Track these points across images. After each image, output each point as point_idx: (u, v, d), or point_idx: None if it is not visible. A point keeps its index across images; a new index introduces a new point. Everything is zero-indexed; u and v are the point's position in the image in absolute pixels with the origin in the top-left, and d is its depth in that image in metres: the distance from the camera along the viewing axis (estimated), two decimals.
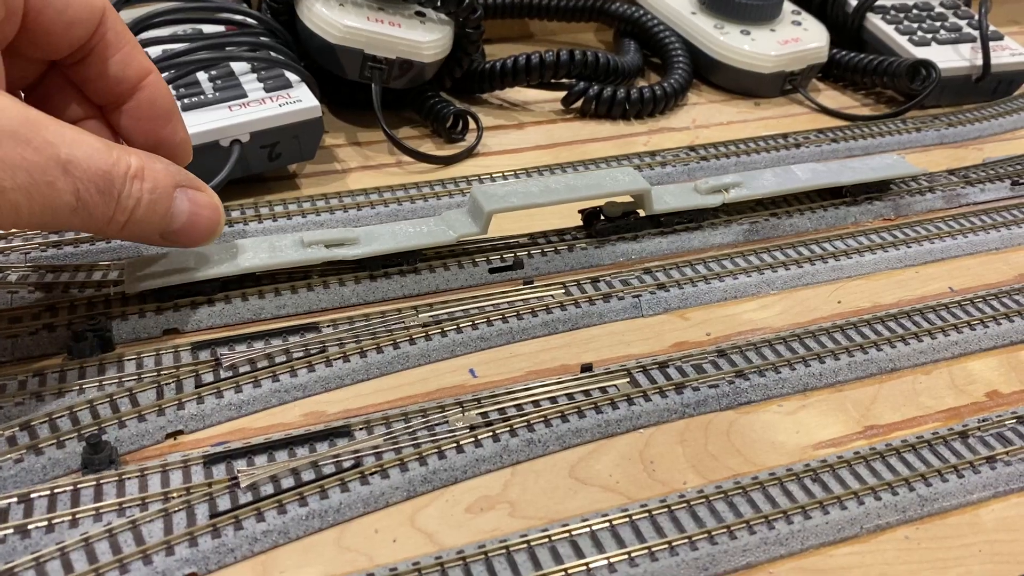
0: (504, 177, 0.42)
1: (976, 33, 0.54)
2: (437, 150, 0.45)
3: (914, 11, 0.55)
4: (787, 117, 0.51)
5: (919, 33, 0.53)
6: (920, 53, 0.51)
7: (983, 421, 0.29)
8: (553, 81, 0.49)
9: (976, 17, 0.55)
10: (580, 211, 0.38)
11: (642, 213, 0.37)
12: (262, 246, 0.33)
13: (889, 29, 0.53)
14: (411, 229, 0.35)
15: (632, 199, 0.37)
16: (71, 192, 0.24)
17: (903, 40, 0.52)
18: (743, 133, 0.48)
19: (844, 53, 0.53)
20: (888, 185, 0.42)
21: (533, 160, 0.44)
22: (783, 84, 0.52)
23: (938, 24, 0.54)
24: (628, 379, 0.30)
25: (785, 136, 0.47)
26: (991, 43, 0.53)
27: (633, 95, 0.49)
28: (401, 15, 0.44)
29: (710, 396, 0.29)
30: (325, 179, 0.42)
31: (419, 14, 0.45)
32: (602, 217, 0.38)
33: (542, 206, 0.35)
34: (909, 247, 0.38)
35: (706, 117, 0.50)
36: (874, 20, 0.54)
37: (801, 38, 0.52)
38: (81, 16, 0.27)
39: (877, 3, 0.55)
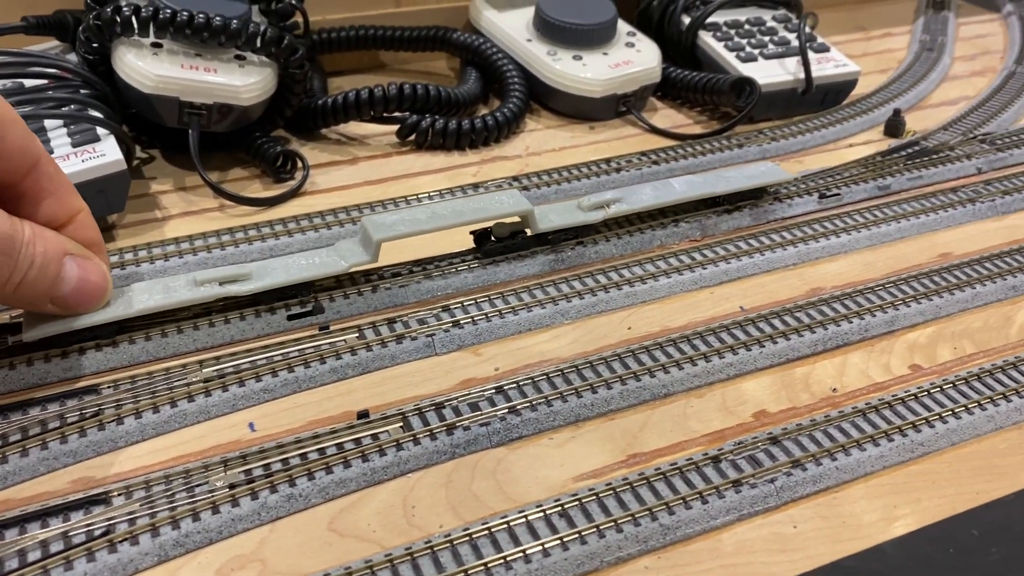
0: (335, 215, 0.42)
1: (806, 46, 0.55)
2: (266, 191, 0.45)
3: (745, 27, 0.57)
4: (619, 139, 0.52)
5: (747, 49, 0.54)
6: (746, 69, 0.53)
7: (738, 444, 0.30)
8: (386, 116, 0.50)
9: (807, 31, 0.57)
10: (471, 232, 0.40)
11: (529, 232, 0.39)
12: (156, 287, 0.34)
13: (719, 46, 0.55)
14: (303, 261, 0.36)
15: (519, 219, 0.39)
16: None
17: (731, 57, 0.54)
18: (575, 158, 0.49)
19: (677, 72, 0.55)
20: (763, 192, 0.43)
21: (361, 197, 0.45)
22: (617, 106, 0.53)
23: (767, 39, 0.56)
24: (402, 423, 0.30)
25: (608, 161, 0.48)
26: (818, 55, 0.55)
27: (464, 126, 0.49)
28: (219, 60, 0.44)
29: (480, 435, 0.30)
30: (143, 228, 0.42)
31: (239, 58, 0.45)
32: (492, 238, 0.39)
33: (430, 232, 0.36)
34: (705, 268, 0.39)
35: (540, 144, 0.51)
36: (705, 38, 0.56)
37: (633, 60, 0.53)
38: (11, 154, 0.29)
39: (708, 21, 0.56)
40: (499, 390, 0.32)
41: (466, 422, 0.30)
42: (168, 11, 0.43)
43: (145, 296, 0.33)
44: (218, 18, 0.43)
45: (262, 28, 0.44)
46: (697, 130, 0.53)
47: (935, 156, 0.48)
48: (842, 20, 0.71)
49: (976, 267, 0.39)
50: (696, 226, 0.42)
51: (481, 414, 0.31)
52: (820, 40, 0.56)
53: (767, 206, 0.43)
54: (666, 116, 0.55)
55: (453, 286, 0.37)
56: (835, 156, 0.49)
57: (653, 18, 0.59)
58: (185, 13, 0.43)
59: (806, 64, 0.52)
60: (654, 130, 0.52)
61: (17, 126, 0.29)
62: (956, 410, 0.31)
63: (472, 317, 0.35)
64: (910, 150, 0.49)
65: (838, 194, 0.45)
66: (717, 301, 0.38)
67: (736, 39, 0.55)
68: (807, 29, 0.57)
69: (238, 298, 0.34)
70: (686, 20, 0.57)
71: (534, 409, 0.31)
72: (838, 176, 0.46)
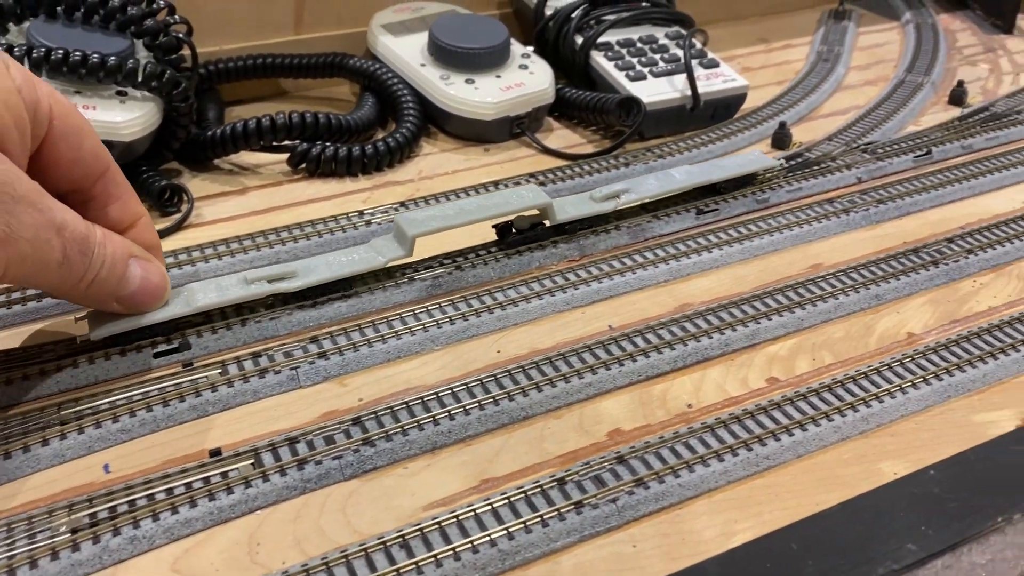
0: (214, 247, 0.42)
1: (695, 62, 0.56)
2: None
3: (638, 45, 0.58)
4: (513, 161, 0.52)
5: (637, 68, 0.55)
6: (635, 87, 0.54)
7: (585, 465, 0.30)
8: (276, 144, 0.50)
9: (698, 47, 0.58)
10: (493, 226, 0.42)
11: (548, 223, 0.42)
12: (209, 287, 0.36)
13: (609, 66, 0.56)
14: (344, 258, 0.39)
15: (538, 212, 0.42)
16: (60, 250, 0.30)
17: (620, 76, 0.55)
18: (468, 181, 0.50)
19: (570, 92, 0.56)
20: (754, 178, 0.48)
21: (247, 227, 0.45)
22: (511, 128, 0.54)
23: (658, 57, 0.57)
24: (253, 460, 0.30)
25: (496, 183, 0.48)
26: (707, 71, 0.56)
27: (354, 152, 0.49)
28: (99, 96, 0.44)
29: (332, 468, 0.30)
30: None
31: (120, 93, 0.45)
32: (513, 230, 0.42)
33: (460, 226, 0.39)
34: (577, 289, 0.39)
35: (434, 167, 0.51)
36: (597, 58, 0.56)
37: (525, 82, 0.54)
38: (85, 159, 0.32)
39: (601, 40, 0.57)
40: (356, 421, 0.32)
41: (319, 456, 0.30)
42: (42, 49, 0.43)
43: (201, 295, 0.36)
44: (95, 55, 0.43)
45: (142, 63, 0.44)
46: (589, 149, 0.54)
47: (816, 167, 0.49)
48: (745, 33, 0.73)
49: (842, 277, 0.40)
50: (575, 247, 0.42)
51: (335, 447, 0.31)
52: (711, 56, 0.57)
53: (645, 224, 0.44)
54: (562, 136, 0.56)
55: (326, 316, 0.38)
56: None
57: (549, 39, 0.59)
58: (60, 51, 0.43)
59: (692, 82, 0.53)
60: (546, 150, 0.53)
61: (92, 135, 0.33)
62: (803, 422, 0.32)
63: (339, 347, 0.35)
64: (793, 162, 0.50)
65: (716, 209, 0.45)
66: (588, 321, 0.38)
67: (627, 58, 0.56)
68: (698, 45, 0.59)
69: (284, 295, 0.37)
70: (579, 40, 0.57)
71: (389, 439, 0.31)
72: (719, 191, 0.47)
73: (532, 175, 0.49)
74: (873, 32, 0.74)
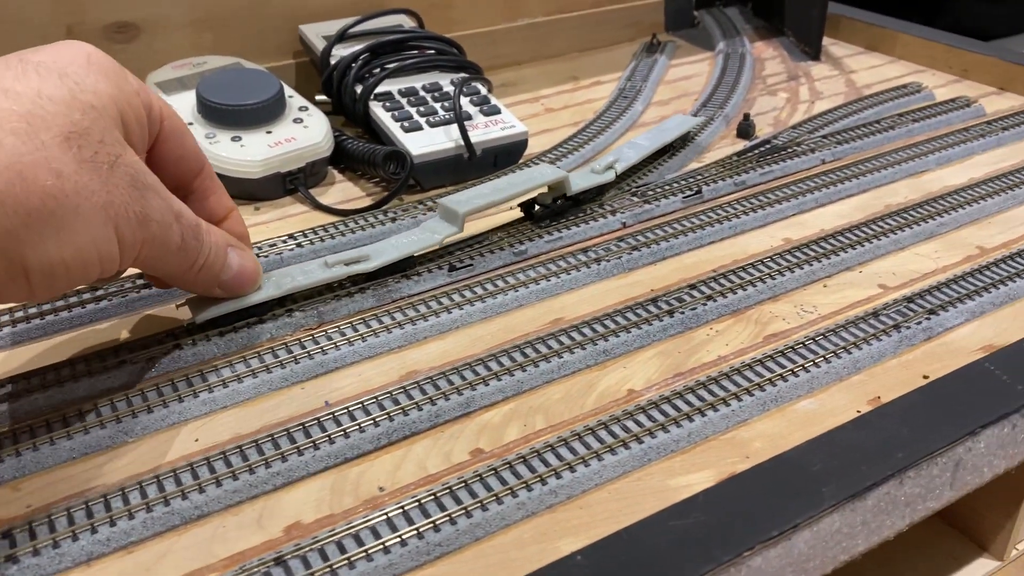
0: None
1: (476, 110, 0.56)
2: None
3: (420, 93, 0.57)
4: (283, 219, 0.51)
5: (414, 118, 0.54)
6: (408, 139, 0.53)
7: (241, 569, 0.28)
8: None
9: (482, 94, 0.58)
10: (519, 205, 0.49)
11: (567, 195, 0.48)
12: (294, 272, 0.41)
13: (386, 116, 0.54)
14: (404, 240, 0.44)
15: (552, 188, 0.48)
16: (179, 234, 0.34)
17: (395, 127, 0.54)
18: None
19: (349, 143, 0.54)
20: (692, 138, 0.58)
21: None
22: (284, 184, 0.52)
23: (439, 105, 0.56)
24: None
25: (267, 243, 0.46)
26: (488, 118, 0.55)
27: None
28: None
29: None
30: None
31: None
32: (537, 207, 0.48)
33: (499, 203, 0.46)
34: (298, 363, 0.37)
35: None
36: (374, 108, 0.55)
37: (297, 136, 0.52)
38: (188, 157, 0.37)
39: (381, 90, 0.56)
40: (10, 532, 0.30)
41: None
42: None
43: (288, 279, 0.40)
44: None
45: None
46: (368, 202, 0.52)
47: (581, 215, 0.49)
48: (558, 72, 0.73)
49: (573, 333, 0.39)
50: (312, 314, 0.41)
51: None
52: (494, 102, 0.57)
53: (392, 284, 0.43)
54: (342, 189, 0.54)
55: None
56: (487, 222, 0.49)
57: (333, 88, 0.58)
58: None
59: (464, 133, 0.52)
60: (318, 206, 0.51)
61: (191, 134, 0.37)
62: (485, 501, 0.30)
63: (16, 448, 0.33)
64: (558, 205, 0.49)
65: (470, 264, 0.44)
66: (307, 397, 0.36)
67: (406, 108, 0.55)
68: (483, 92, 0.58)
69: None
70: (359, 90, 0.56)
71: (37, 554, 0.29)
72: (476, 245, 0.46)
73: (304, 233, 0.48)
74: (685, 64, 0.74)
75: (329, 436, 0.33)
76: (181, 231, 0.34)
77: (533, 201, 0.48)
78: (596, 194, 0.50)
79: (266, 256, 0.45)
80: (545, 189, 0.48)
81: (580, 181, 0.49)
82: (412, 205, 0.51)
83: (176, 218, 0.33)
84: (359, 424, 0.34)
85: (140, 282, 0.43)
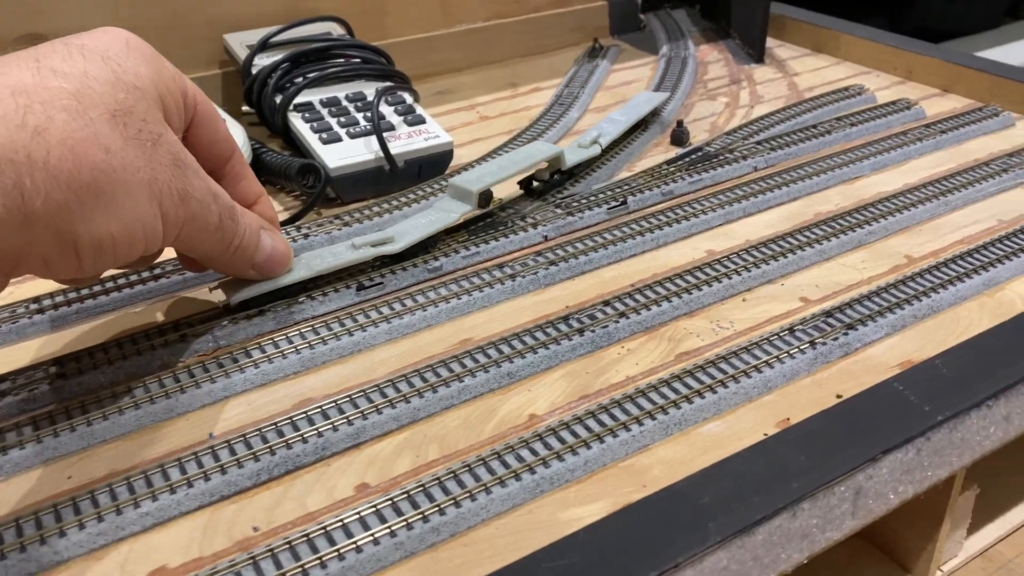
0: None
1: (400, 120, 0.54)
2: None
3: (343, 103, 0.55)
4: None
5: (333, 129, 0.53)
6: (325, 151, 0.51)
7: None
8: None
9: (408, 102, 0.56)
10: (518, 183, 0.51)
11: (562, 169, 0.51)
12: (323, 254, 0.42)
13: (304, 128, 0.53)
14: (422, 220, 0.45)
15: (549, 164, 0.50)
16: (217, 215, 0.34)
17: (314, 139, 0.52)
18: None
19: (266, 155, 0.53)
20: (659, 113, 0.61)
21: None
22: None
23: (361, 116, 0.54)
24: None
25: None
26: (412, 128, 0.54)
27: None
28: None
29: None
30: None
31: None
32: (534, 183, 0.51)
33: (506, 179, 0.47)
34: (184, 392, 0.36)
35: None
36: (293, 119, 0.54)
37: None
38: (220, 142, 0.37)
39: (301, 100, 0.55)
40: None
41: None
42: None
43: (318, 260, 0.41)
44: None
45: None
46: (285, 216, 0.51)
47: (502, 228, 0.47)
48: (497, 78, 0.71)
49: (478, 355, 0.38)
50: (208, 339, 0.39)
51: None
52: (419, 112, 0.55)
53: (295, 305, 0.41)
54: None
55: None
56: None
57: (254, 99, 0.56)
58: None
59: (383, 144, 0.51)
60: None
61: (222, 120, 0.37)
62: (361, 543, 0.29)
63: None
64: (483, 222, 0.48)
65: (380, 283, 0.43)
66: (191, 430, 0.35)
67: (327, 118, 0.54)
68: (408, 101, 0.56)
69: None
70: (278, 100, 0.55)
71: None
72: (396, 259, 0.44)
73: None
74: (626, 69, 0.73)
75: (205, 472, 0.32)
76: (219, 211, 0.34)
77: (531, 178, 0.50)
78: (586, 167, 0.53)
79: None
80: (544, 165, 0.49)
81: (572, 156, 0.51)
82: (327, 220, 0.49)
83: (214, 198, 0.34)
84: (237, 459, 0.32)
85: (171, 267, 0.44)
